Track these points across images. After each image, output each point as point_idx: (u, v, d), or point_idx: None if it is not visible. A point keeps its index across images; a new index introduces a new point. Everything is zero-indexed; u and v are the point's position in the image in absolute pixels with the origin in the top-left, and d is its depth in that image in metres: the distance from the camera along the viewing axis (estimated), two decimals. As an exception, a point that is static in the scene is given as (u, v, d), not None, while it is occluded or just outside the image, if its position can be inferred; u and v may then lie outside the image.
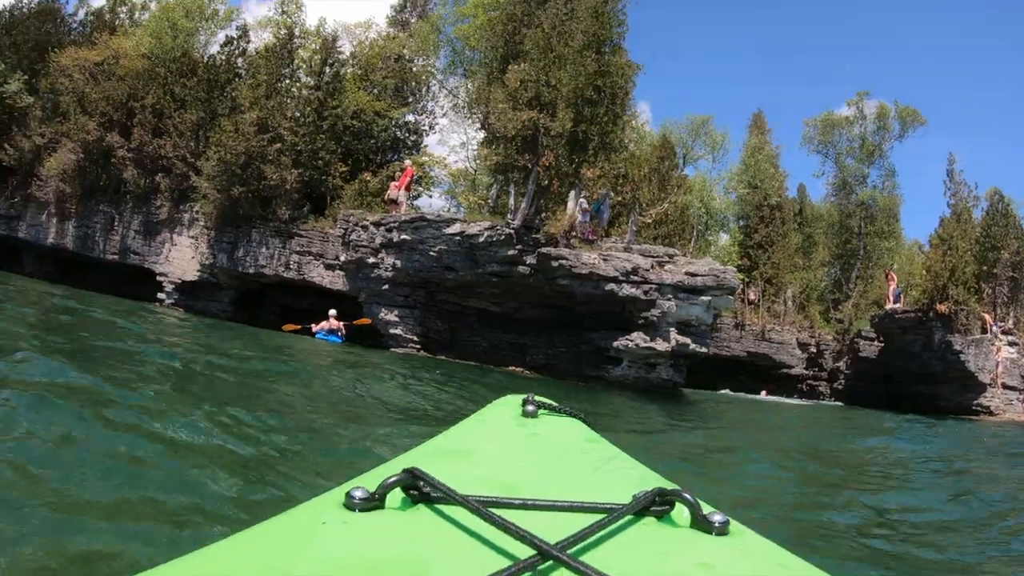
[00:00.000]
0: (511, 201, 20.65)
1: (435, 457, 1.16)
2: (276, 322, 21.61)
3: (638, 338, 16.39)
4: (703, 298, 16.82)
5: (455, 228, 17.19)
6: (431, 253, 17.56)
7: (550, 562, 0.70)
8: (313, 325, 19.09)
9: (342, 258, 19.11)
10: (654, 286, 16.37)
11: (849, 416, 17.87)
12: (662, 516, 0.89)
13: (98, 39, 28.32)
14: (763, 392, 23.69)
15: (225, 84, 23.96)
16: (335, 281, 20.26)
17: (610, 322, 17.42)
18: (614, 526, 0.82)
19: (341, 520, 0.81)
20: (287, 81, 23.55)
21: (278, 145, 21.17)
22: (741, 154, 31.88)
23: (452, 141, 41.66)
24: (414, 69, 25.17)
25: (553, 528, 0.78)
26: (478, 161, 26.00)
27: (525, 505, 0.87)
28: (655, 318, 16.36)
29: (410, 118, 24.85)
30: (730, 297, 17.80)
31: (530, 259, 16.68)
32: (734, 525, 0.86)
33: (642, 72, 17.69)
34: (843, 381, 27.23)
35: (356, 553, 0.74)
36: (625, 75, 17.81)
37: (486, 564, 0.71)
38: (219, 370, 7.24)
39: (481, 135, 24.83)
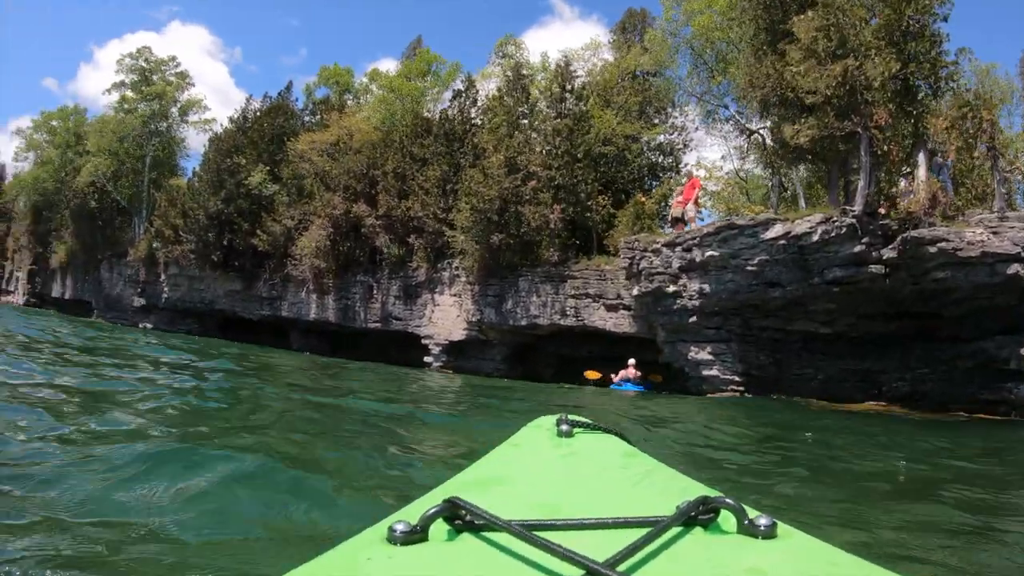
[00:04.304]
0: (801, 200, 17.49)
1: (474, 485, 1.13)
2: (554, 376, 19.76)
3: (1063, 340, 12.36)
4: None
5: (776, 230, 14.19)
6: (748, 268, 14.68)
7: None
8: (613, 375, 17.05)
9: (634, 292, 16.73)
10: (1074, 262, 12.40)
11: None
12: (708, 524, 0.87)
13: (328, 119, 29.17)
14: None
15: (463, 135, 23.13)
16: (620, 323, 17.96)
17: (995, 322, 13.52)
18: (661, 539, 0.81)
19: (385, 555, 0.80)
20: (528, 116, 22.20)
21: (533, 183, 19.60)
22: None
23: (711, 156, 39.18)
24: (653, 88, 22.93)
25: (600, 546, 0.77)
26: (743, 171, 23.18)
27: (569, 525, 0.86)
28: (1085, 308, 12.32)
29: (661, 139, 22.53)
30: None
31: (886, 252, 13.26)
32: (781, 527, 0.85)
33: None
34: None
35: None
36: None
37: None
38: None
39: (740, 143, 22.04)
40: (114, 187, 39.80)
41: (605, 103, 22.02)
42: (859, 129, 13.95)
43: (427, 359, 21.43)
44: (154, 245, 34.45)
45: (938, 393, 14.24)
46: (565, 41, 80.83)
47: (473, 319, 20.42)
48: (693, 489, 1.07)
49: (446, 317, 21.34)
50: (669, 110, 23.07)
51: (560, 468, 1.28)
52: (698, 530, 0.86)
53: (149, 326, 34.50)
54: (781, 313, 15.50)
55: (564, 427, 1.43)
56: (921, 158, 14.09)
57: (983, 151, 15.99)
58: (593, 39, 25.37)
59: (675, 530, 0.84)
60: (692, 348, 16.00)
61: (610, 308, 18.12)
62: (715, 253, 15.06)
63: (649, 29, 24.12)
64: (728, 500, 0.87)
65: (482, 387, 14.65)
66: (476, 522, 0.85)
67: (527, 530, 0.79)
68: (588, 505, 1.00)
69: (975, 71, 26.56)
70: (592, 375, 17.80)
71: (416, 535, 0.83)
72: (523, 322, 19.31)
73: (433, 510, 0.85)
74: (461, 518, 0.86)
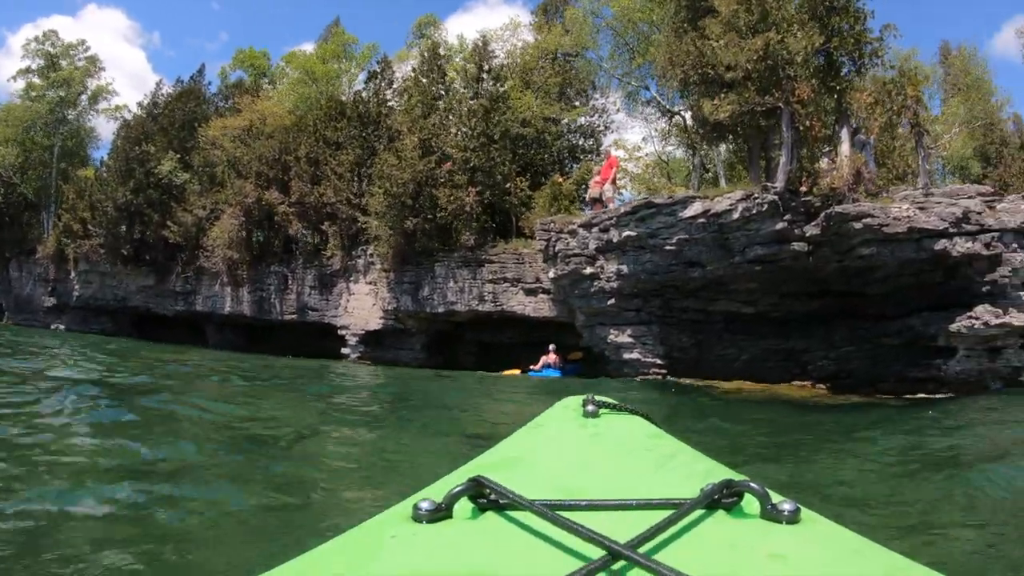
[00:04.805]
0: (722, 181, 16.97)
1: (499, 464, 1.13)
2: (476, 364, 18.86)
3: (985, 313, 11.95)
4: (1055, 243, 12.29)
5: (695, 208, 13.56)
6: (667, 248, 14.02)
7: (622, 562, 0.69)
8: (533, 366, 16.29)
9: (551, 274, 15.96)
10: (995, 234, 12.05)
11: None
12: (731, 508, 0.86)
13: (240, 103, 27.60)
14: None
15: (377, 117, 21.95)
16: (539, 307, 17.19)
17: (920, 300, 13.11)
18: (683, 521, 0.80)
19: (410, 532, 0.81)
20: (444, 97, 21.15)
21: (448, 165, 18.61)
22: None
23: (632, 138, 38.59)
24: (574, 69, 22.10)
25: (622, 527, 0.76)
26: (665, 154, 22.61)
27: (592, 506, 0.86)
28: (1005, 280, 12.00)
29: (582, 121, 21.75)
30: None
31: (809, 229, 12.73)
32: (805, 513, 0.84)
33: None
34: None
35: (427, 564, 0.74)
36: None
37: (557, 568, 0.70)
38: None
39: (662, 125, 21.47)
40: (21, 180, 37.22)
41: (525, 84, 21.18)
42: (780, 104, 13.47)
43: (344, 350, 20.39)
44: (63, 240, 32.25)
45: (864, 372, 13.87)
46: (490, 26, 79.70)
47: (389, 307, 19.41)
48: (717, 472, 1.05)
49: (362, 306, 20.26)
50: (590, 92, 22.42)
51: (585, 449, 1.26)
52: (721, 513, 0.85)
53: (62, 327, 32.40)
54: (702, 293, 14.93)
55: (590, 407, 1.40)
56: (844, 134, 13.72)
57: (907, 129, 15.62)
58: (513, 19, 24.45)
59: (698, 513, 0.83)
60: (612, 331, 15.31)
61: (529, 292, 17.35)
62: (632, 233, 14.38)
63: (570, 8, 23.29)
64: (752, 484, 0.86)
65: (395, 385, 13.40)
66: (500, 501, 0.85)
67: (550, 510, 0.79)
68: (612, 486, 0.99)
69: (896, 56, 26.66)
70: (511, 373, 16.98)
71: (441, 513, 0.82)
72: (440, 309, 18.39)
73: (458, 488, 0.85)
74: (485, 497, 0.86)
